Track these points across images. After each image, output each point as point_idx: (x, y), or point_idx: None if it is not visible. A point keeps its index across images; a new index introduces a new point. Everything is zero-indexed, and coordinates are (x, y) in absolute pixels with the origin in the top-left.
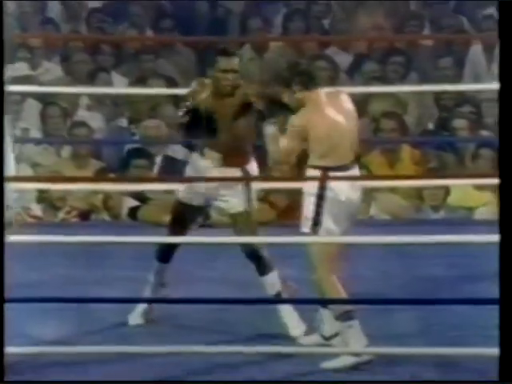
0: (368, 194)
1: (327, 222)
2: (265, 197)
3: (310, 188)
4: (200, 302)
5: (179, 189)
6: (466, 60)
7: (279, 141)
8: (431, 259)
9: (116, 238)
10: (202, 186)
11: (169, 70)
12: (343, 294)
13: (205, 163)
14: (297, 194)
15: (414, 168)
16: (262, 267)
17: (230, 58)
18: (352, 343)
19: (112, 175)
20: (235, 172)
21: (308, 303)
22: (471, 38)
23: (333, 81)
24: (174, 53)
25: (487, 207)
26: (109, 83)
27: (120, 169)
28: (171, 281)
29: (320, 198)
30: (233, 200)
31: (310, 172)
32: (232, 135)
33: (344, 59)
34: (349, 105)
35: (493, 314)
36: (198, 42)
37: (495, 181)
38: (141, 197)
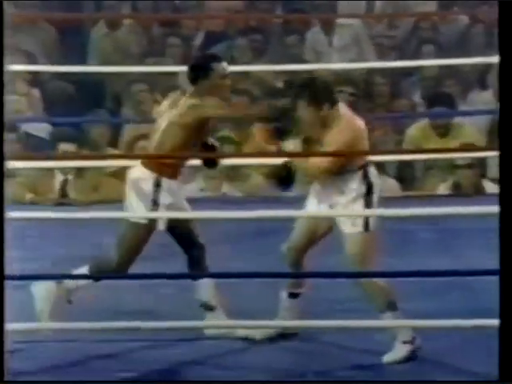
0: (222, 172)
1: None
2: (116, 172)
3: (352, 188)
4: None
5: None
6: (306, 39)
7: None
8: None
9: (109, 213)
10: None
11: (30, 46)
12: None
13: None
14: None
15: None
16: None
17: (222, 62)
18: (401, 332)
19: None
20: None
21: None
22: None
23: (186, 58)
24: (35, 29)
25: None
26: None
27: None
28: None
29: (369, 198)
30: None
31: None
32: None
33: (198, 37)
34: None
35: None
36: (55, 18)
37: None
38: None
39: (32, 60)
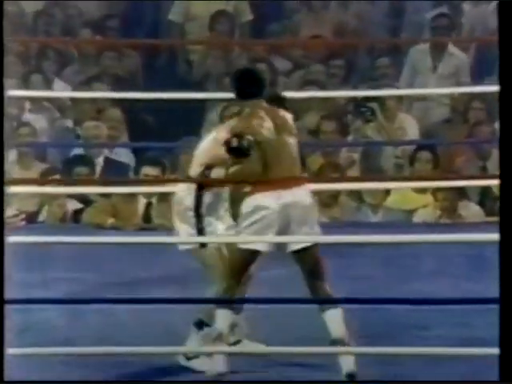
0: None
1: None
2: None
3: None
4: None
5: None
6: (406, 59)
7: None
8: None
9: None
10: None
11: (117, 72)
12: None
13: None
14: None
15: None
16: None
17: None
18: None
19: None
20: None
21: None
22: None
23: (272, 84)
24: (121, 55)
25: (426, 209)
26: (43, 85)
27: (63, 173)
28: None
29: None
30: None
31: None
32: None
33: (284, 64)
34: None
35: (424, 314)
36: (141, 44)
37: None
38: (84, 199)
39: (120, 86)
